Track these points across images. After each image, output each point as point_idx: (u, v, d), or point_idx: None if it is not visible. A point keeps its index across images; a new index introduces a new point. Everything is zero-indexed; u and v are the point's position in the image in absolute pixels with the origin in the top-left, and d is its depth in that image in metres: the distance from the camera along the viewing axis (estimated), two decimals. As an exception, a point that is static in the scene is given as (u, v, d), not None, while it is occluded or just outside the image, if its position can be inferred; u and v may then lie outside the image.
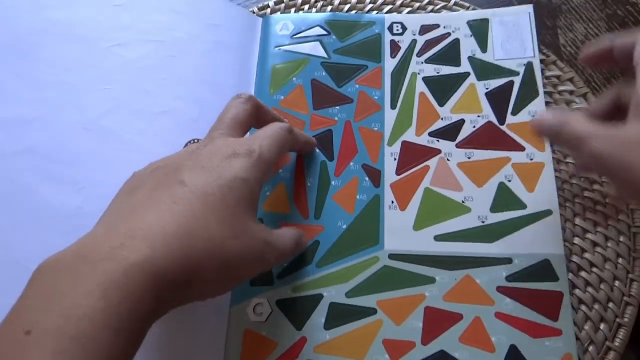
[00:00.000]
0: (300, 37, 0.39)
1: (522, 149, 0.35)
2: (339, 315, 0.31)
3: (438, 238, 0.33)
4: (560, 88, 0.37)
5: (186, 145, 0.34)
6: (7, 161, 0.34)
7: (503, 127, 0.35)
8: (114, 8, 0.39)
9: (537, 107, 0.35)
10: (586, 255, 0.32)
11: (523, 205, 0.33)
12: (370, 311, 0.31)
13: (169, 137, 0.35)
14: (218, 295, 0.25)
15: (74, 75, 0.37)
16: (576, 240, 0.33)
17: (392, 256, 0.33)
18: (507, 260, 0.32)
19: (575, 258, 0.32)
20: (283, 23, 0.40)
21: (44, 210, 0.33)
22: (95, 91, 0.36)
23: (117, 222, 0.23)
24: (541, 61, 0.37)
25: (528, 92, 0.36)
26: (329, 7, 0.42)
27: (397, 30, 0.39)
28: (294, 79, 0.38)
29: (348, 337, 0.31)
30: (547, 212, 0.33)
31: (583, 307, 0.31)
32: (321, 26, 0.40)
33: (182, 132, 0.35)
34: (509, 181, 0.34)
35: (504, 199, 0.33)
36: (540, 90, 0.36)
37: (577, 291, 0.32)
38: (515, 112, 0.36)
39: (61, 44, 0.38)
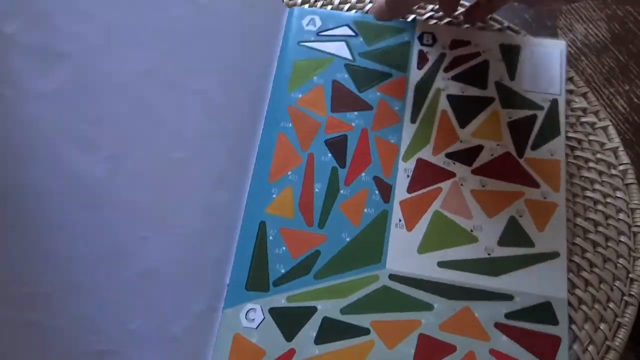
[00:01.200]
0: (327, 35, 0.38)
1: (537, 185, 0.34)
2: (332, 331, 0.31)
3: (442, 264, 0.32)
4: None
5: None
6: (30, 104, 0.28)
7: (521, 161, 0.35)
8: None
9: (557, 146, 0.35)
10: (587, 255, 0.32)
11: (531, 244, 0.32)
12: (364, 331, 0.31)
13: (197, 119, 0.33)
14: None
15: (119, 19, 0.32)
16: (577, 240, 0.33)
17: (393, 277, 0.32)
18: (509, 297, 0.31)
19: (575, 258, 0.33)
20: (310, 18, 0.38)
21: (68, 176, 0.29)
22: (137, 45, 0.33)
23: None
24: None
25: (550, 130, 0.35)
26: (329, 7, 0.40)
27: (427, 41, 0.38)
28: (315, 77, 0.37)
29: (338, 355, 0.30)
30: (555, 255, 0.32)
31: (583, 307, 0.31)
32: (349, 26, 0.38)
33: (208, 117, 0.34)
34: (520, 216, 0.33)
35: (513, 234, 0.33)
36: (562, 129, 0.35)
37: (577, 291, 0.32)
38: (534, 147, 0.35)
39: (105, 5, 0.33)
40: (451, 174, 0.34)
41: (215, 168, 0.33)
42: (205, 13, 0.36)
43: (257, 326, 0.31)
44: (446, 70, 0.37)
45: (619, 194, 0.34)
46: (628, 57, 0.39)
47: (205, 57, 0.35)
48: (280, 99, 0.36)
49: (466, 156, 0.35)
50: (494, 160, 0.35)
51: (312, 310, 0.31)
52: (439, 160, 0.35)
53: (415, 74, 0.37)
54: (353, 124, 0.36)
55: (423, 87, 0.37)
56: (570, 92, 0.37)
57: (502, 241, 0.33)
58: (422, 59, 0.37)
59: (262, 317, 0.31)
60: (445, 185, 0.34)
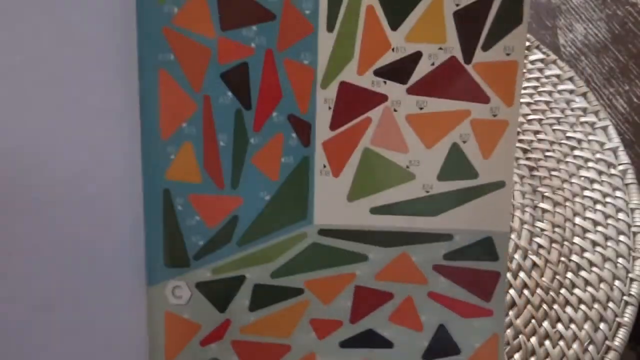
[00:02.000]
0: None
1: (486, 100, 0.28)
2: (264, 296, 0.30)
3: (375, 211, 0.29)
4: (560, 87, 0.35)
5: None
6: None
7: (468, 67, 0.27)
8: None
9: (515, 41, 0.27)
10: (586, 255, 0.32)
11: (475, 175, 0.28)
12: (297, 292, 0.30)
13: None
14: None
15: None
16: (576, 240, 0.33)
17: (322, 232, 0.29)
18: (448, 237, 0.29)
19: (575, 258, 0.33)
20: None
21: None
22: None
23: None
24: (541, 60, 0.31)
25: (508, 17, 0.27)
26: None
27: None
28: (190, -21, 0.27)
29: (274, 318, 0.30)
30: (500, 184, 0.28)
31: (583, 307, 0.32)
32: None
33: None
34: (464, 142, 0.28)
35: (455, 165, 0.28)
36: (525, 18, 0.27)
37: (576, 290, 0.32)
38: (487, 47, 0.27)
39: None
40: (382, 98, 0.28)
41: (86, 152, 0.27)
42: None
43: (187, 302, 0.29)
44: (369, -57, 0.27)
45: (618, 193, 0.34)
46: (628, 57, 0.38)
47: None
48: (150, 17, 0.27)
49: (400, 70, 0.28)
50: (435, 71, 0.28)
51: (241, 279, 0.29)
52: (367, 80, 0.28)
53: (328, -45, 0.27)
54: (253, 45, 0.27)
55: (340, -26, 0.27)
56: (570, 91, 0.34)
57: (443, 175, 0.29)
58: None
59: (190, 294, 0.29)
60: (376, 113, 0.28)
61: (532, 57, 0.35)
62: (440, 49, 0.27)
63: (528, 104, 0.35)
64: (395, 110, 0.28)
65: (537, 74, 0.35)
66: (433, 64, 0.28)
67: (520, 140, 0.35)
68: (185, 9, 0.27)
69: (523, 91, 0.34)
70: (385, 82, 0.28)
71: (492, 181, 0.28)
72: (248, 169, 0.28)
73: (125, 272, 0.29)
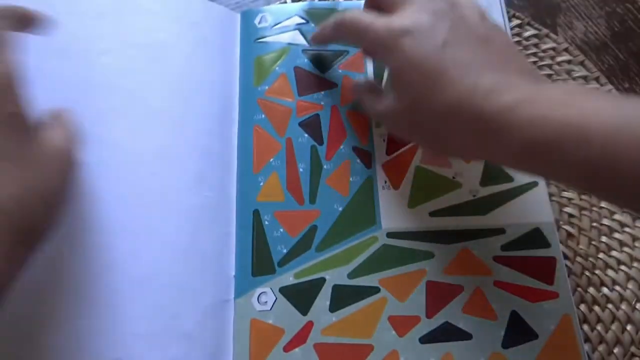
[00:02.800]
0: (280, 28, 0.39)
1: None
2: (343, 296, 0.32)
3: (433, 214, 0.34)
4: (559, 59, 0.38)
5: None
6: None
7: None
8: (96, 16, 0.38)
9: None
10: (615, 216, 0.34)
11: (510, 179, 0.34)
12: (374, 290, 0.32)
13: (159, 135, 0.35)
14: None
15: (63, 90, 0.35)
16: (603, 203, 0.34)
17: (390, 234, 0.33)
18: (501, 231, 0.33)
19: (605, 221, 0.34)
20: (261, 16, 0.40)
21: None
22: (85, 102, 0.35)
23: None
24: (535, 36, 0.39)
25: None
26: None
27: (375, 15, 0.40)
28: (277, 68, 0.38)
29: (354, 317, 0.31)
30: (534, 184, 0.34)
31: (623, 267, 0.33)
32: (300, 15, 0.40)
33: (168, 131, 0.35)
34: (496, 155, 0.35)
35: (492, 173, 0.34)
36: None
37: (613, 252, 0.33)
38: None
39: (48, 60, 0.36)
40: (424, 131, 0.36)
41: (191, 172, 0.34)
42: (148, 49, 0.37)
43: (271, 307, 0.31)
44: (398, 37, 0.39)
45: None
46: (627, 55, 0.39)
47: (154, 85, 0.37)
48: (249, 95, 0.38)
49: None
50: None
51: (321, 281, 0.32)
52: (410, 120, 0.36)
53: (371, 47, 0.39)
54: (322, 103, 0.37)
55: (380, 58, 0.38)
56: (568, 62, 0.38)
57: (484, 181, 0.34)
58: (374, 32, 0.39)
59: (274, 298, 0.32)
60: (421, 141, 0.36)
61: (526, 34, 0.39)
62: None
63: None
64: (435, 138, 0.36)
65: (534, 50, 0.39)
66: (458, 106, 0.37)
67: None
68: (273, 86, 0.38)
69: None
70: (424, 120, 0.36)
71: (526, 182, 0.34)
72: (323, 188, 0.34)
73: (212, 286, 0.32)
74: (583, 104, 0.23)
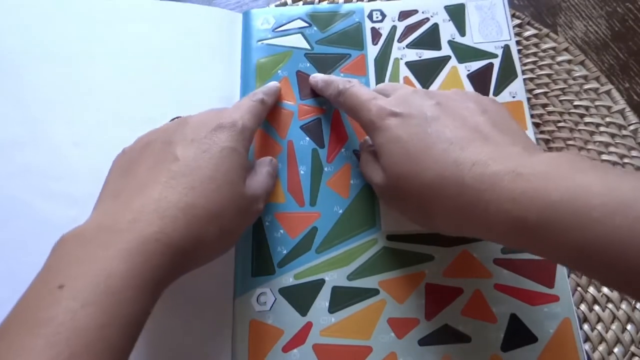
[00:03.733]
0: (282, 31, 0.40)
1: (506, 126, 0.36)
2: (343, 298, 0.32)
3: (433, 217, 0.34)
4: (559, 59, 0.38)
5: (171, 120, 0.34)
6: (2, 183, 0.35)
7: (487, 107, 0.36)
8: (93, 23, 0.39)
9: (516, 88, 0.37)
10: None
11: (512, 180, 0.34)
12: (373, 292, 0.32)
13: None
14: (221, 254, 0.28)
15: (59, 93, 0.37)
16: None
17: (390, 237, 0.33)
18: (501, 233, 0.33)
19: None
20: (264, 17, 0.40)
21: (42, 225, 0.33)
22: (81, 106, 0.37)
23: (128, 198, 0.25)
24: (535, 35, 0.38)
25: (507, 74, 0.37)
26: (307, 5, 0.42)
27: (377, 17, 0.40)
28: (279, 71, 0.38)
29: (353, 319, 0.31)
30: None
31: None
32: (302, 19, 0.40)
33: None
34: (497, 158, 0.35)
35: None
36: (519, 71, 0.37)
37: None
38: (497, 93, 0.37)
39: (44, 63, 0.38)
40: (425, 133, 0.36)
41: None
42: (147, 56, 0.38)
43: (271, 308, 0.32)
44: (400, 40, 0.39)
45: (634, 153, 0.35)
46: (628, 54, 0.39)
47: (153, 90, 0.38)
48: (251, 96, 0.38)
49: (435, 114, 0.36)
50: (461, 113, 0.36)
51: (320, 282, 0.32)
52: (411, 122, 0.36)
53: (373, 50, 0.39)
54: (324, 107, 0.37)
55: (382, 60, 0.38)
56: (568, 61, 0.38)
57: (485, 184, 0.34)
58: (376, 35, 0.39)
59: (274, 299, 0.32)
60: (421, 144, 0.36)
61: (526, 34, 0.39)
62: (463, 98, 0.37)
63: (531, 79, 0.38)
64: (436, 141, 0.36)
65: (534, 49, 0.38)
66: (459, 108, 0.37)
67: (532, 116, 0.36)
68: (275, 89, 0.38)
69: (524, 67, 0.38)
70: (425, 123, 0.36)
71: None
72: (324, 190, 0.35)
73: (211, 285, 0.32)
74: (570, 180, 0.21)
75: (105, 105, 0.37)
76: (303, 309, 0.32)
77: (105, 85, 0.37)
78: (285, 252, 0.33)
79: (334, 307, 0.32)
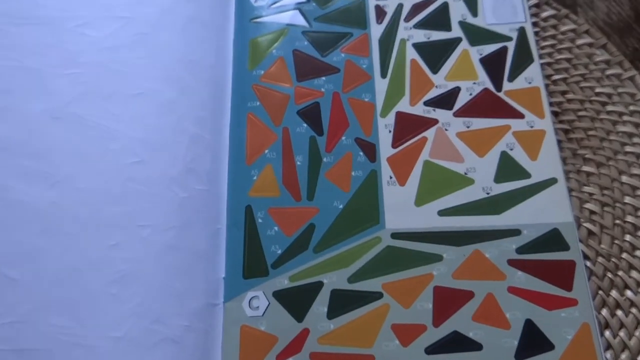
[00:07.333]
0: (278, 7, 0.37)
1: (521, 116, 0.33)
2: (342, 302, 0.29)
3: (442, 213, 0.31)
4: (579, 42, 0.36)
5: None
6: None
7: (500, 94, 0.34)
8: None
9: (533, 73, 0.34)
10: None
11: (527, 175, 0.31)
12: (376, 295, 0.29)
13: (147, 120, 0.32)
14: None
15: (37, 60, 0.33)
16: (627, 199, 0.32)
17: (395, 235, 0.30)
18: (516, 232, 0.30)
19: (629, 218, 0.32)
20: (258, -8, 0.37)
21: (16, 208, 0.29)
22: (62, 76, 0.32)
23: None
24: (553, 16, 0.36)
25: (523, 58, 0.34)
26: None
27: (382, -6, 0.37)
28: (274, 51, 0.35)
29: (354, 325, 0.29)
30: (552, 181, 0.31)
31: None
32: (299, -7, 0.37)
33: (159, 114, 0.32)
34: (511, 150, 0.32)
35: (508, 168, 0.32)
36: (536, 56, 0.34)
37: (638, 252, 0.31)
38: (511, 79, 0.34)
39: (21, 26, 0.33)
40: (434, 121, 0.33)
41: (180, 162, 0.31)
42: (135, 23, 0.34)
43: (264, 313, 0.29)
44: (407, 19, 0.36)
45: None
46: None
47: (144, 62, 0.34)
48: (243, 79, 0.35)
49: (445, 100, 0.34)
50: (474, 100, 0.34)
51: (318, 285, 0.29)
52: (418, 109, 0.34)
53: (377, 29, 0.36)
54: (323, 90, 0.34)
55: (387, 41, 0.35)
56: (589, 45, 0.36)
57: (498, 177, 0.32)
58: (380, 13, 0.36)
59: (267, 303, 0.29)
60: (430, 133, 0.33)
61: (544, 14, 0.37)
62: (475, 83, 0.34)
63: (549, 63, 0.36)
64: (446, 130, 0.33)
65: (552, 31, 0.36)
66: (471, 95, 0.34)
67: (550, 104, 0.34)
68: (270, 70, 0.35)
69: (541, 51, 0.36)
70: (434, 110, 0.33)
71: (545, 179, 0.31)
72: (322, 183, 0.32)
73: (199, 288, 0.30)
74: None
75: (90, 76, 0.33)
76: (299, 314, 0.29)
77: (89, 53, 0.33)
78: (279, 251, 0.30)
79: (333, 312, 0.29)
